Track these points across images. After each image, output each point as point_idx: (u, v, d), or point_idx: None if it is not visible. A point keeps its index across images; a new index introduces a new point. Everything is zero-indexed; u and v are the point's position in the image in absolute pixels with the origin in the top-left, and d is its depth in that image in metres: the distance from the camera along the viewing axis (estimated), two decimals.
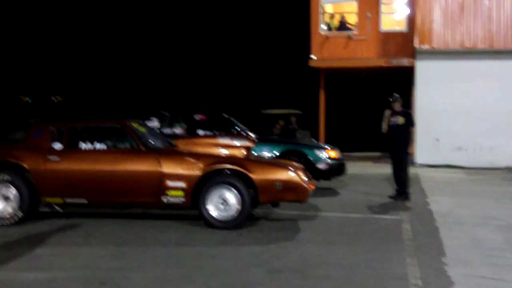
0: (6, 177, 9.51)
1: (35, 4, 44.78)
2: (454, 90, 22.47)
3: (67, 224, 9.62)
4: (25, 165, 9.57)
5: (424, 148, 22.59)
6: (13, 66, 43.21)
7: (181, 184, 9.36)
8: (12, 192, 9.52)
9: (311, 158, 14.21)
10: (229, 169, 9.42)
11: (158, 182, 9.38)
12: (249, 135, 14.13)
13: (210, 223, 9.32)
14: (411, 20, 24.02)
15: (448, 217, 10.87)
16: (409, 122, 13.04)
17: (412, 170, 14.72)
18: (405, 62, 24.40)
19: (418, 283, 6.37)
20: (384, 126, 13.01)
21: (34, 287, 6.15)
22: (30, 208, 9.61)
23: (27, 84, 37.78)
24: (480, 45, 22.58)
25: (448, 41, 22.80)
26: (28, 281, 6.34)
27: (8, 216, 9.48)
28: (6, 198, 9.54)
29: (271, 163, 10.21)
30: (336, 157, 14.58)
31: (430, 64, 23.05)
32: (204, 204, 9.32)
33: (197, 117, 14.96)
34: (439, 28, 22.84)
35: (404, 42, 24.49)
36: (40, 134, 9.95)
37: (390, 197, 13.17)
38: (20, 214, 9.47)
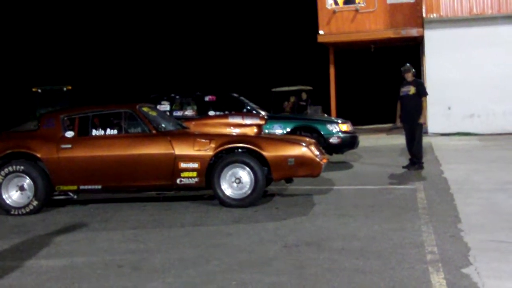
0: (20, 167, 9.57)
1: None
2: (464, 57, 22.41)
3: (82, 211, 9.69)
4: (38, 155, 9.62)
5: (436, 117, 22.58)
6: (22, 58, 43.32)
7: (194, 165, 9.39)
8: (26, 181, 9.60)
9: (323, 133, 14.22)
10: (241, 147, 9.45)
11: (171, 164, 9.41)
12: (259, 113, 14.14)
13: (225, 202, 9.37)
14: None
15: (463, 184, 10.84)
16: (421, 92, 12.97)
17: (425, 139, 14.67)
18: (413, 32, 24.30)
19: (434, 250, 6.36)
20: None
21: (53, 273, 6.17)
22: (45, 197, 9.66)
23: (37, 76, 37.87)
24: (489, 11, 22.43)
25: (456, 9, 22.66)
26: (47, 268, 6.37)
27: (23, 206, 9.54)
28: (21, 188, 9.61)
29: (283, 140, 10.18)
30: (348, 130, 14.57)
31: (439, 33, 22.96)
32: (218, 184, 9.36)
33: (207, 98, 15.00)
34: None
35: (412, 12, 24.35)
36: (51, 123, 9.98)
37: (404, 167, 13.16)
38: (35, 203, 9.53)
